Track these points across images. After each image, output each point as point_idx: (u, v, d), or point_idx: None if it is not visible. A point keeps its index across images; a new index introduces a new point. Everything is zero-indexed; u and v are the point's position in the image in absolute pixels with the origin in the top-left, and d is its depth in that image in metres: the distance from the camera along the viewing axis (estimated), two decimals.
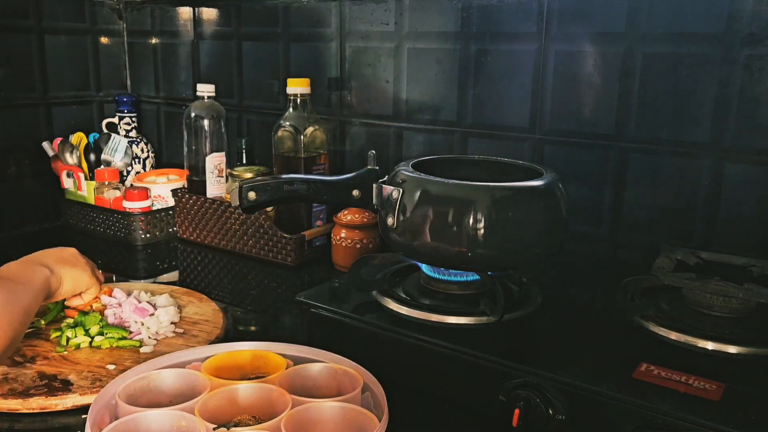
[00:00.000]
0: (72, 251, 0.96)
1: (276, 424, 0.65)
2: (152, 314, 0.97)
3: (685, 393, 0.67)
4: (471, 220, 0.81)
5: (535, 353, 0.79)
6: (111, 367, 0.85)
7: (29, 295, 0.82)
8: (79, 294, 0.96)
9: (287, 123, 1.28)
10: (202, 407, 0.68)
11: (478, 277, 0.89)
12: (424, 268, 0.92)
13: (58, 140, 1.55)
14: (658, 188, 1.08)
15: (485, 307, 0.84)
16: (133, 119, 1.68)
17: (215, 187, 1.38)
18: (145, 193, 1.42)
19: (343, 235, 1.21)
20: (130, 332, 0.93)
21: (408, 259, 0.92)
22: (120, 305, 0.99)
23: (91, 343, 0.90)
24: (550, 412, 0.70)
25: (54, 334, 0.92)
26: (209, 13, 1.60)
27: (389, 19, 1.32)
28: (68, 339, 0.91)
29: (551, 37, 1.13)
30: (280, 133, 1.29)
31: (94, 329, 0.92)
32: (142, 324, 0.95)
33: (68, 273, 0.91)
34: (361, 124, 1.40)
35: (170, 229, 1.45)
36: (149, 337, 0.93)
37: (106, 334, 0.91)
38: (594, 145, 1.13)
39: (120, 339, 0.91)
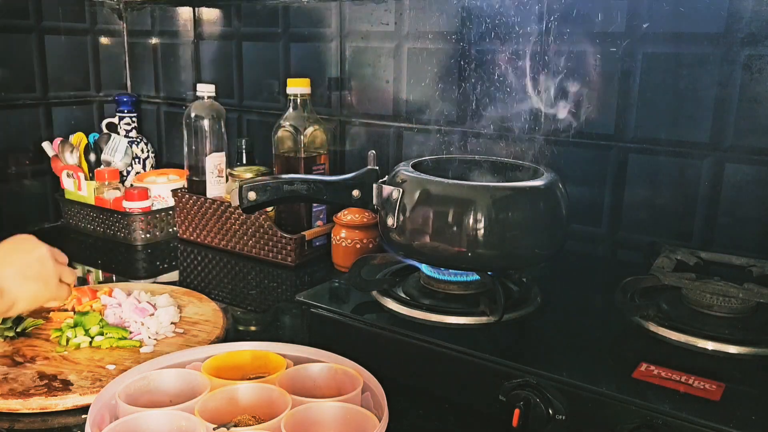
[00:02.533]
0: (37, 256, 0.83)
1: (276, 424, 0.65)
2: (152, 314, 0.97)
3: (685, 393, 0.67)
4: (471, 220, 0.81)
5: (535, 353, 0.79)
6: (111, 367, 0.85)
7: None
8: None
9: (287, 123, 1.28)
10: (202, 407, 0.68)
11: (478, 277, 0.89)
12: (424, 268, 0.92)
13: (58, 140, 1.55)
14: (658, 188, 1.08)
15: (485, 307, 0.84)
16: (133, 119, 1.68)
17: (215, 187, 1.38)
18: (145, 193, 1.42)
19: (343, 235, 1.21)
20: (130, 332, 0.93)
21: (408, 259, 0.92)
22: (120, 305, 0.99)
23: (91, 343, 0.90)
24: (550, 412, 0.70)
25: (54, 334, 0.92)
26: (209, 13, 1.60)
27: (389, 19, 1.32)
28: (68, 339, 0.91)
29: (551, 37, 1.13)
30: (280, 133, 1.29)
31: (94, 329, 0.92)
32: (142, 324, 0.95)
33: (24, 291, 0.81)
34: (361, 124, 1.40)
35: (170, 229, 1.45)
36: (149, 337, 0.93)
37: (106, 334, 0.91)
38: (594, 145, 1.13)
39: (120, 339, 0.91)
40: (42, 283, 0.83)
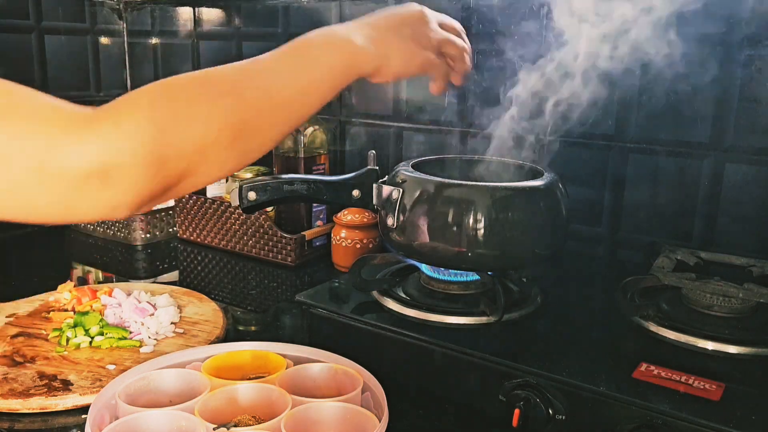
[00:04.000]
0: (416, 16, 0.70)
1: (276, 424, 0.65)
2: (152, 314, 0.97)
3: (685, 393, 0.67)
4: (471, 220, 0.81)
5: (535, 353, 0.79)
6: (111, 367, 0.85)
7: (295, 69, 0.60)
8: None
9: None
10: (202, 407, 0.68)
11: (478, 277, 0.89)
12: (424, 268, 0.92)
13: None
14: (658, 188, 1.08)
15: (485, 307, 0.84)
16: None
17: (215, 187, 1.38)
18: None
19: (343, 235, 1.21)
20: (130, 332, 0.93)
21: (408, 259, 0.92)
22: (120, 305, 0.99)
23: (91, 343, 0.90)
24: (550, 412, 0.70)
25: (53, 334, 0.92)
26: (209, 13, 1.60)
27: None
28: (68, 339, 0.90)
29: (552, 36, 1.13)
30: None
31: (94, 329, 0.92)
32: (142, 324, 0.95)
33: (396, 49, 0.67)
34: (361, 124, 1.40)
35: (170, 229, 1.45)
36: (149, 337, 0.92)
37: (106, 334, 0.91)
38: (594, 145, 1.13)
39: (120, 339, 0.91)
40: (417, 45, 0.69)
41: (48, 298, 1.04)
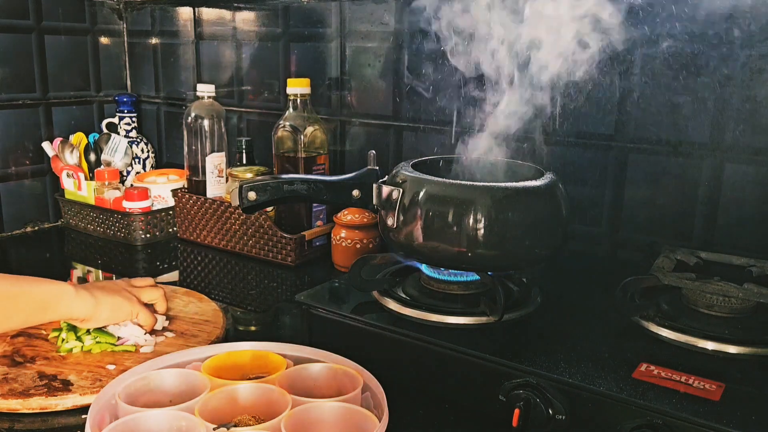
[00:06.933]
0: (114, 281, 0.98)
1: (276, 424, 0.65)
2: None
3: (685, 393, 0.67)
4: (471, 220, 0.81)
5: (535, 353, 0.79)
6: (111, 367, 0.85)
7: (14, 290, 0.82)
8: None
9: (287, 123, 1.28)
10: (202, 407, 0.68)
11: (478, 277, 0.89)
12: (424, 268, 0.92)
13: (58, 140, 1.55)
14: (658, 188, 1.08)
15: (485, 307, 0.84)
16: (133, 119, 1.68)
17: (215, 187, 1.38)
18: (145, 193, 1.42)
19: (343, 235, 1.21)
20: (118, 338, 0.90)
21: (408, 259, 0.92)
22: None
23: (82, 348, 0.89)
24: (550, 412, 0.70)
25: (53, 334, 0.92)
26: (209, 13, 1.60)
27: (389, 19, 1.32)
28: (63, 340, 0.89)
29: (552, 36, 1.13)
30: (280, 133, 1.29)
31: (84, 332, 0.90)
32: (125, 327, 0.92)
33: (107, 302, 0.88)
34: (361, 124, 1.40)
35: (170, 229, 1.45)
36: (145, 341, 0.91)
37: (96, 338, 0.89)
38: (594, 145, 1.13)
39: (115, 344, 0.90)
40: (123, 299, 0.91)
41: None
